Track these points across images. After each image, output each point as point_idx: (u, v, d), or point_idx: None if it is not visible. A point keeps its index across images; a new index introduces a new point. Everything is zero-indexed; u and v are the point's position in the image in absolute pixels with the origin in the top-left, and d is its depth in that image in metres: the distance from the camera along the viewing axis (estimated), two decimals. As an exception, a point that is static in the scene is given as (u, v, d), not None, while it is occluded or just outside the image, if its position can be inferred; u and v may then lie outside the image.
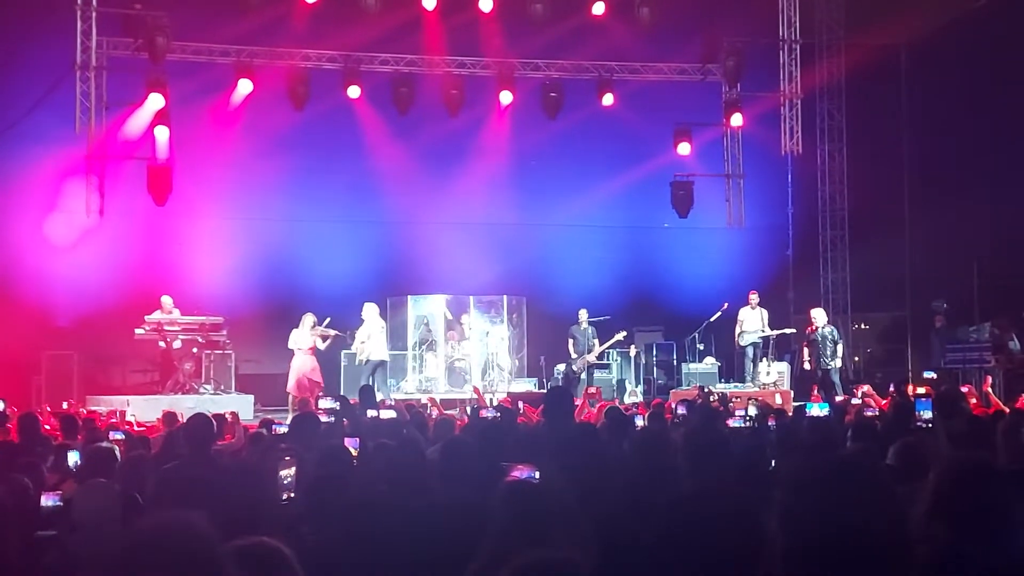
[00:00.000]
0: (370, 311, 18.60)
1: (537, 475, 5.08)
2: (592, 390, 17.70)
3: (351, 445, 7.39)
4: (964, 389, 13.67)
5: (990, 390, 14.51)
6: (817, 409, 8.77)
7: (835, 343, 18.80)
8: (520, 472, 5.04)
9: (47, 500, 5.41)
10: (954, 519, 3.07)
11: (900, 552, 2.09)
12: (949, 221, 20.62)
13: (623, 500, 5.02)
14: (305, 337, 17.98)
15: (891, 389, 14.50)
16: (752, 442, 6.53)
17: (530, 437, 7.73)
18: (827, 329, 18.96)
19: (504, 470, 5.19)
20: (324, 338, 18.20)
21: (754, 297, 19.89)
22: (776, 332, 19.75)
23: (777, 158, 23.44)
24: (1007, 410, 11.16)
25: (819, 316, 19.25)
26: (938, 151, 21.55)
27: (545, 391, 17.96)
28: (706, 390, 16.42)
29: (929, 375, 16.20)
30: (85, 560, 4.79)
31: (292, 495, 5.59)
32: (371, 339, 18.41)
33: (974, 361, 18.38)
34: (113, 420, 13.89)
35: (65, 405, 15.62)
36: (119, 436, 9.87)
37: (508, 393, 18.27)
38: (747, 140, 23.84)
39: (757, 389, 18.34)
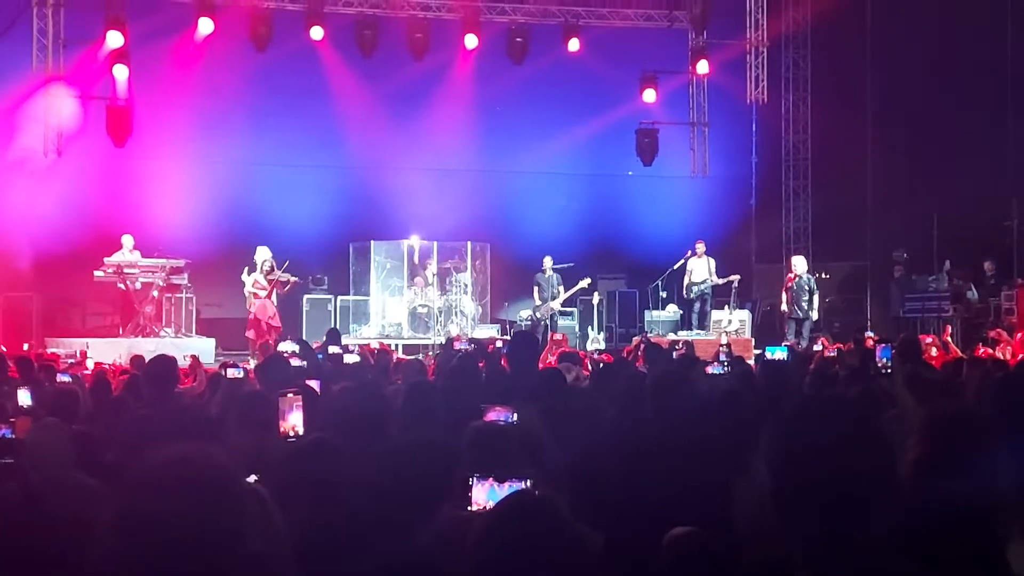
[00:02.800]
0: (263, 255, 18.46)
1: (515, 417, 5.05)
2: (558, 337, 17.75)
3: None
4: (928, 339, 13.84)
5: (949, 339, 14.71)
6: (780, 353, 8.82)
7: (811, 293, 18.84)
8: (497, 414, 5.01)
9: None
10: (939, 464, 3.14)
11: (888, 492, 2.11)
12: (910, 172, 20.75)
13: (591, 444, 5.03)
14: (260, 280, 17.94)
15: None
16: (733, 386, 6.57)
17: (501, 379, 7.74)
18: (805, 278, 19.04)
19: (481, 411, 5.16)
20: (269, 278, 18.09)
21: (700, 246, 19.88)
22: (723, 280, 19.75)
23: (742, 107, 23.46)
24: (965, 357, 11.31)
25: (798, 264, 19.27)
26: (901, 102, 21.62)
27: (509, 336, 17.93)
28: (679, 340, 16.46)
29: (869, 335, 16.27)
30: (46, 498, 4.75)
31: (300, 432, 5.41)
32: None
33: (933, 310, 18.59)
34: (72, 361, 13.80)
35: (26, 347, 15.43)
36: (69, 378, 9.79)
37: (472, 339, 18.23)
38: (712, 88, 23.79)
39: (716, 337, 18.42)
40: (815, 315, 18.87)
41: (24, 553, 3.10)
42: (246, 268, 18.14)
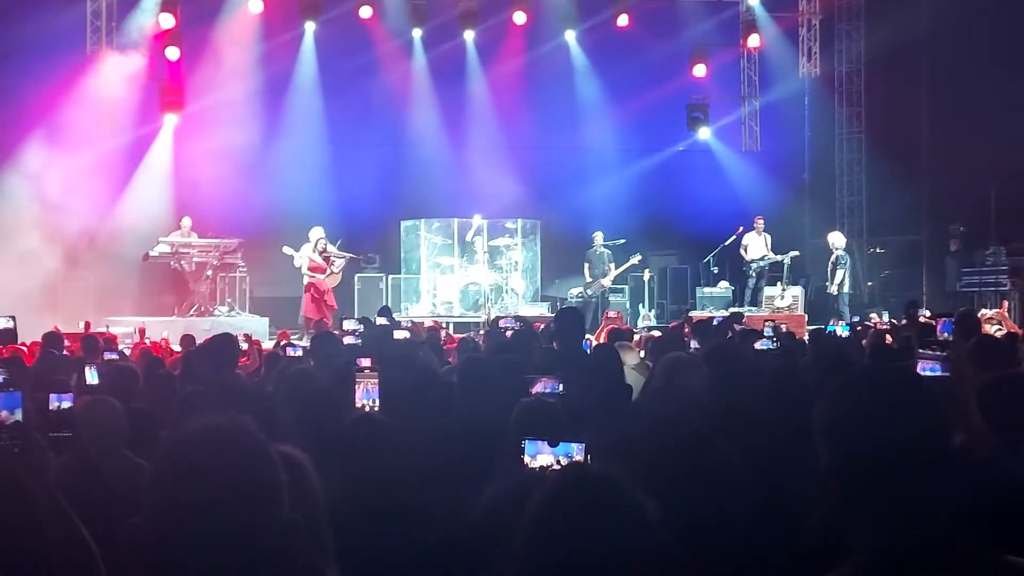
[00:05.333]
0: (317, 234, 18.47)
1: (561, 387, 5.04)
2: (612, 314, 17.66)
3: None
4: (990, 313, 13.68)
5: (1006, 313, 14.52)
6: (840, 330, 8.78)
7: (835, 268, 18.87)
8: (543, 385, 5.00)
9: (56, 401, 5.38)
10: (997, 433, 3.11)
11: (949, 464, 2.08)
12: (967, 144, 20.38)
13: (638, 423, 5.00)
14: (315, 259, 18.07)
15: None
16: (783, 363, 6.50)
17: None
18: (842, 253, 19.05)
19: (527, 383, 5.15)
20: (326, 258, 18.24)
21: (760, 222, 19.79)
22: (780, 256, 19.60)
23: (795, 80, 23.18)
24: (1020, 332, 11.15)
25: (834, 240, 19.27)
26: (958, 73, 21.22)
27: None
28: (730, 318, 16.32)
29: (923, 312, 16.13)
30: (99, 473, 4.81)
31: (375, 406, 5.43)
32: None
33: (990, 285, 18.33)
34: (128, 341, 13.98)
35: (81, 325, 15.61)
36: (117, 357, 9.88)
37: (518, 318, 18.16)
38: (764, 62, 23.53)
39: (769, 313, 18.29)
40: (835, 290, 18.82)
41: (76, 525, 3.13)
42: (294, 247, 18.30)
